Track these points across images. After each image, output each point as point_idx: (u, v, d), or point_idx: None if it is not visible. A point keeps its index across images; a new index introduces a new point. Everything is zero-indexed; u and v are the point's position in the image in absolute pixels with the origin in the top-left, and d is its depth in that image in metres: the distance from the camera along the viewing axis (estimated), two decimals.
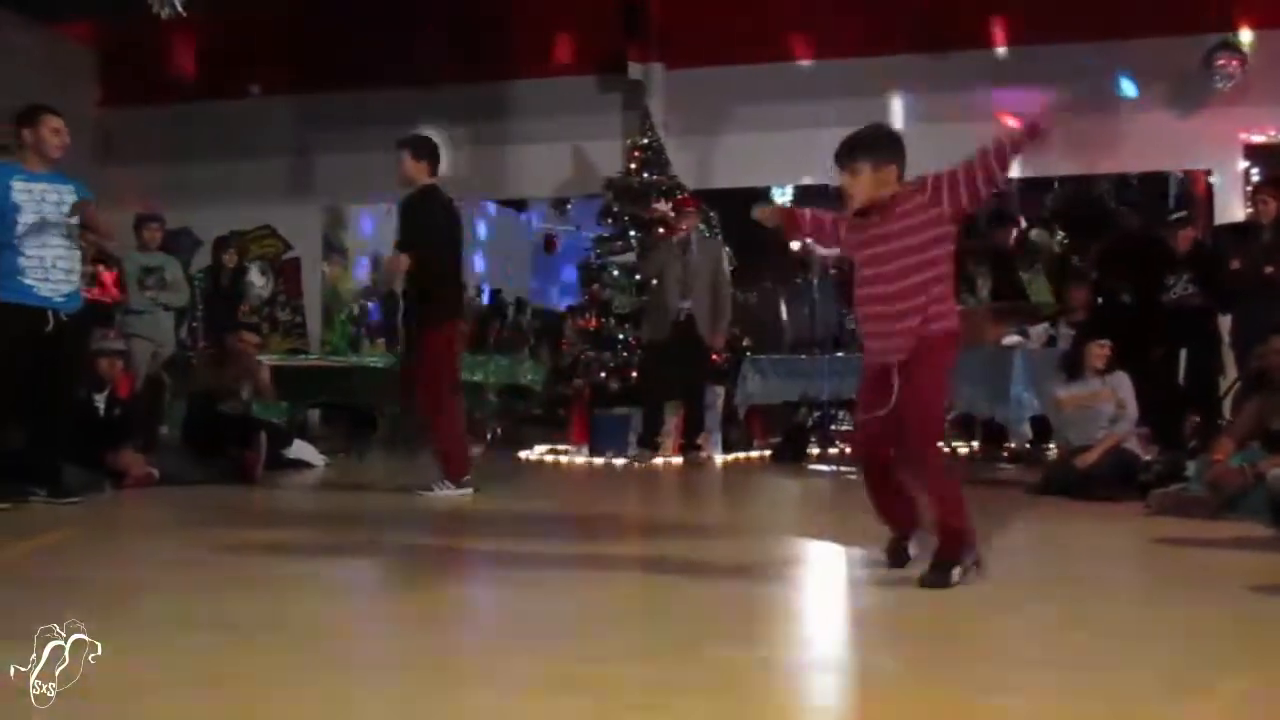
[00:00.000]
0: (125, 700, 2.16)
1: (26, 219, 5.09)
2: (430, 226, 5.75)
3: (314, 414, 10.38)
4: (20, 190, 5.12)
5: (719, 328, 7.95)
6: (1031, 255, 9.05)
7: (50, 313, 5.14)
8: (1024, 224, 9.66)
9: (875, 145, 3.30)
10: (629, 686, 2.27)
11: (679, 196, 8.74)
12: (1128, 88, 9.01)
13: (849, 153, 3.29)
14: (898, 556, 3.50)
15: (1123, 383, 5.82)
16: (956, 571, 3.17)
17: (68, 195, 5.20)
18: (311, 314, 10.81)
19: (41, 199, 5.16)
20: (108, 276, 6.84)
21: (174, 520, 5.00)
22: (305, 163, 10.76)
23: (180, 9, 7.44)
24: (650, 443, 7.91)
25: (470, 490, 5.70)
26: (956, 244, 3.33)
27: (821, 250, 8.16)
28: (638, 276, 8.76)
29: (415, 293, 5.75)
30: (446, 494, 5.60)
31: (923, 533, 3.47)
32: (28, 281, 5.09)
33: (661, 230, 8.61)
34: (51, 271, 5.14)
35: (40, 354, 5.13)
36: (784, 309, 11.59)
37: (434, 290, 5.70)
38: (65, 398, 5.43)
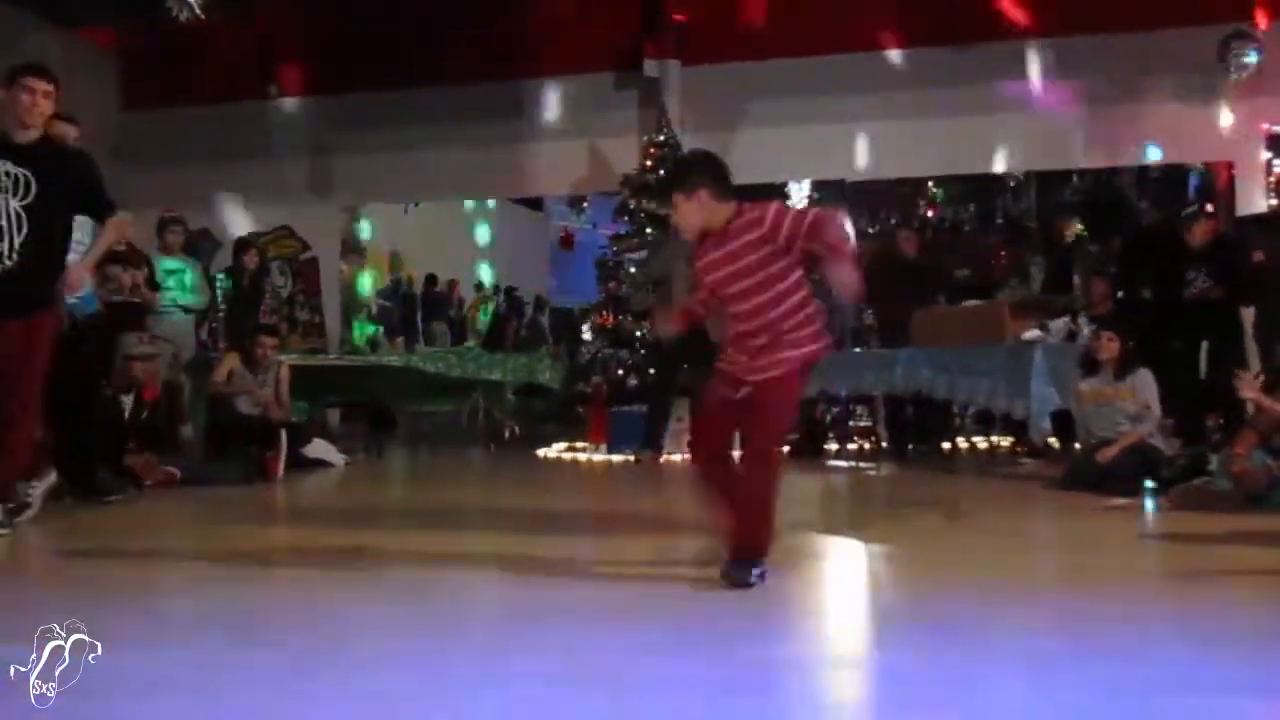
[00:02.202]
0: (138, 700, 2.18)
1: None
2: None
3: (333, 413, 10.45)
4: None
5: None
6: (1088, 257, 8.82)
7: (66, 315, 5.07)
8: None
9: (679, 177, 3.53)
10: (650, 684, 2.28)
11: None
12: None
13: (665, 191, 3.47)
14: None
15: (1145, 382, 5.74)
16: (755, 571, 3.16)
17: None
18: (330, 313, 10.86)
19: None
20: (125, 279, 6.84)
21: (195, 520, 5.03)
22: (323, 163, 10.81)
23: (199, 11, 7.50)
24: (654, 442, 7.89)
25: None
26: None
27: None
28: (641, 274, 8.78)
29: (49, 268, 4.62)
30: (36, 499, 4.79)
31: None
32: None
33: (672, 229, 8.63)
34: None
35: (62, 357, 5.14)
36: None
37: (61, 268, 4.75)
38: (90, 400, 5.47)
